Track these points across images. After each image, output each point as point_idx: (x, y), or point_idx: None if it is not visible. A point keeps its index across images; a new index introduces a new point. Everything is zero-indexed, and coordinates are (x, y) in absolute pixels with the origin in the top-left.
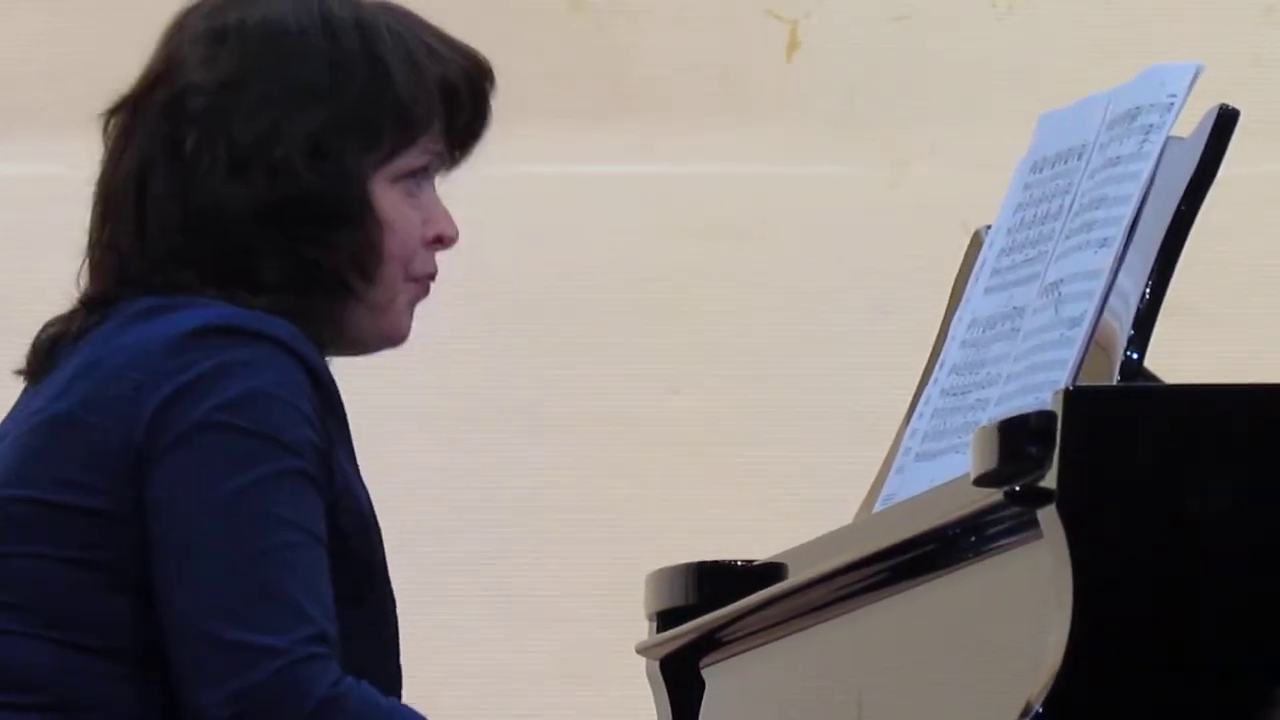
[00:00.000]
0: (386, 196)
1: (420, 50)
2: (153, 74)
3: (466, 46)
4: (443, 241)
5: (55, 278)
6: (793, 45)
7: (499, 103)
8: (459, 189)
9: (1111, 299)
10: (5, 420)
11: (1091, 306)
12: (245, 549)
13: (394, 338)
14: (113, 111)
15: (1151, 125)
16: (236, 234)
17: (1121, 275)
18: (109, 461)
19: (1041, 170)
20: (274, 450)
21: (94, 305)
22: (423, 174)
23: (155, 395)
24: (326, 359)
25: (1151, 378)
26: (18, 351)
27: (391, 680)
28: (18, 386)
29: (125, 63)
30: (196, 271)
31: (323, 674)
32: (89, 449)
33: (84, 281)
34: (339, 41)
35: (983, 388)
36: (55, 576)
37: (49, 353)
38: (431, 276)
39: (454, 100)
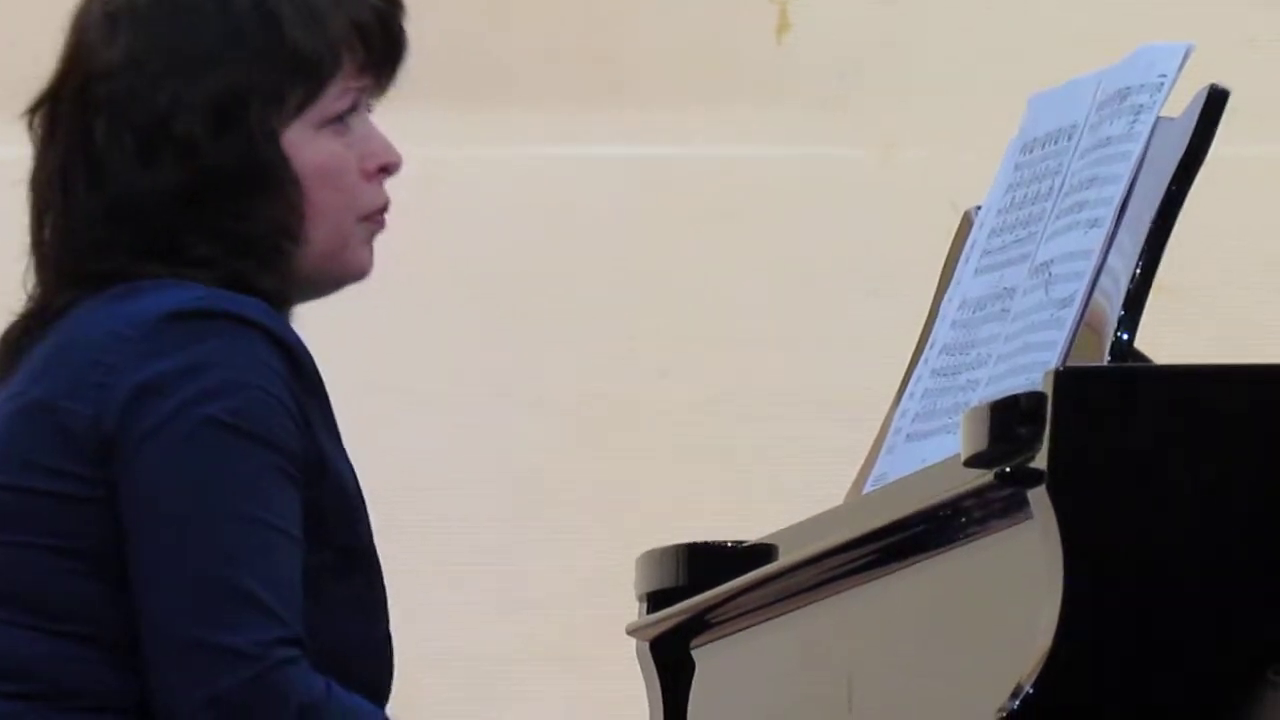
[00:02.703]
0: (312, 144)
1: None
2: (63, 66)
3: None
4: (387, 170)
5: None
6: (783, 26)
7: (495, 84)
8: (452, 170)
9: (1102, 279)
10: None
11: (1082, 287)
12: (219, 550)
13: (354, 275)
14: (34, 108)
15: (1141, 105)
16: (158, 219)
17: (1112, 255)
18: (82, 447)
19: (1032, 151)
20: (250, 445)
21: (50, 300)
22: (350, 113)
23: (128, 382)
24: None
25: (1142, 358)
26: None
27: (379, 648)
28: None
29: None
30: (127, 259)
31: (299, 679)
32: (63, 434)
33: (30, 280)
34: (229, 5)
35: (973, 368)
36: (33, 562)
37: (16, 350)
38: (383, 209)
39: (366, 37)
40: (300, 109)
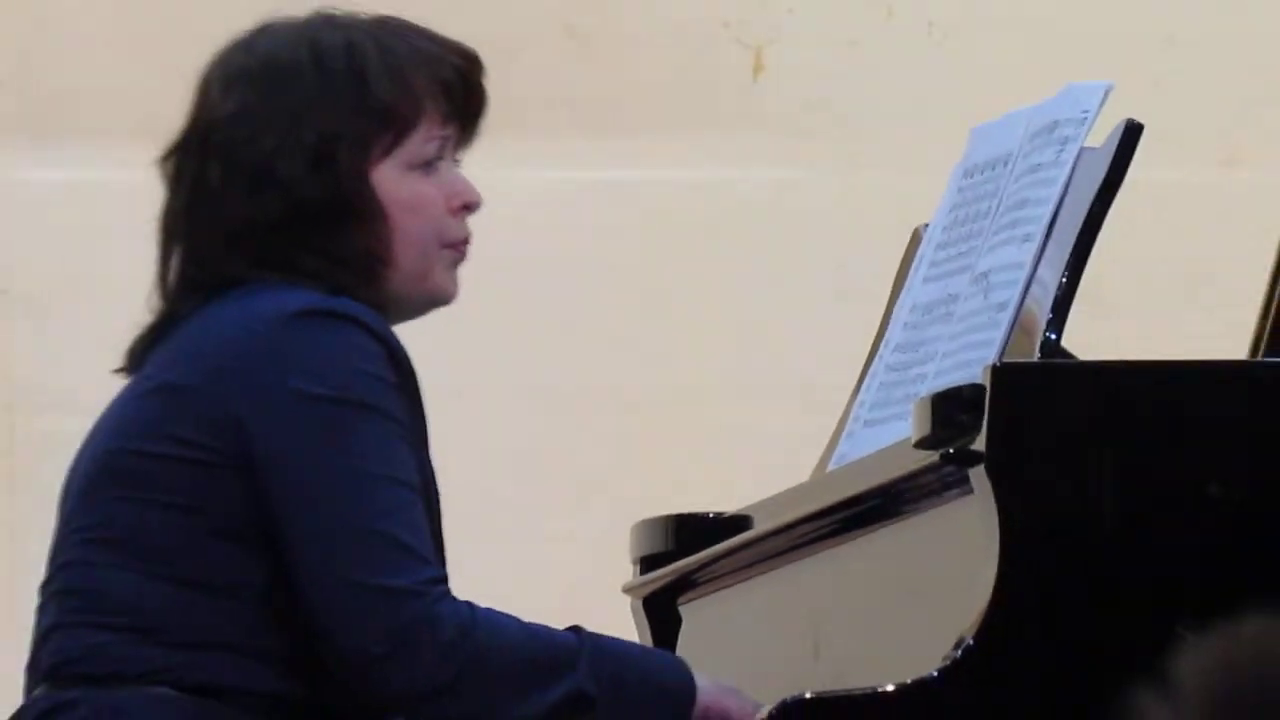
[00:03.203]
0: (400, 182)
1: (408, 56)
2: (188, 119)
3: (454, 43)
4: (469, 208)
5: (105, 272)
6: (758, 67)
7: (503, 115)
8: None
9: (1033, 287)
10: (111, 404)
11: (1016, 294)
12: (367, 507)
13: (439, 298)
14: (165, 157)
15: (1068, 137)
16: (269, 241)
17: (1042, 267)
18: (212, 423)
19: (973, 175)
20: (370, 415)
21: (175, 309)
22: (436, 158)
23: (256, 368)
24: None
25: (1067, 355)
26: (67, 332)
27: None
28: (68, 360)
29: (169, 84)
30: (246, 269)
31: (450, 608)
32: (194, 412)
33: (155, 297)
34: (324, 64)
35: (922, 364)
36: (152, 517)
37: (141, 352)
38: (466, 241)
39: (448, 93)
40: (388, 152)
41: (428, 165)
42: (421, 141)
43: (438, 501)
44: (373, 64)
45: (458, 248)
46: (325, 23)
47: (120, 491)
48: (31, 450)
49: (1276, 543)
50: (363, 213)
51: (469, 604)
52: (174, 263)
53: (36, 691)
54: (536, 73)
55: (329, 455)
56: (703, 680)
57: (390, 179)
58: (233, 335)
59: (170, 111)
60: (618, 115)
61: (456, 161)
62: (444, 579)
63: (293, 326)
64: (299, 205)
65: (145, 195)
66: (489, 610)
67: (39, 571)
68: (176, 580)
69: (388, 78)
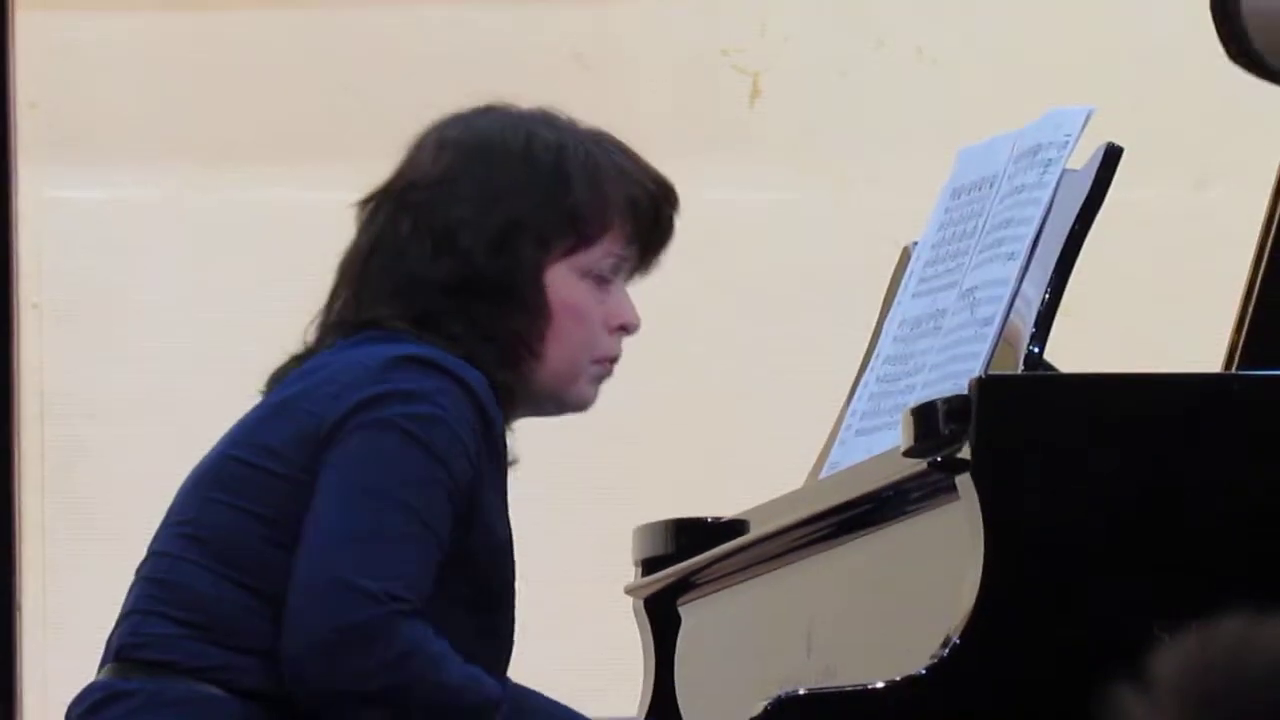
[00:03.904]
0: (571, 285)
1: (610, 171)
2: (395, 172)
3: (657, 172)
4: (626, 330)
5: (132, 287)
6: (754, 93)
7: None
8: None
9: (1017, 303)
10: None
11: (1000, 309)
12: (378, 521)
13: (575, 404)
14: (365, 201)
15: (1051, 159)
16: (430, 303)
17: (1026, 283)
18: (306, 439)
19: (960, 196)
20: (428, 457)
21: (317, 344)
22: (611, 271)
23: (354, 395)
24: (513, 418)
25: (1050, 368)
26: (96, 345)
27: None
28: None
29: (195, 106)
30: (386, 316)
31: (409, 629)
32: (295, 427)
33: (312, 330)
34: (533, 157)
35: (911, 375)
36: (237, 523)
37: (279, 379)
38: (614, 359)
39: (637, 214)
40: (567, 254)
41: (600, 278)
42: (601, 254)
43: (510, 564)
44: (576, 169)
45: (606, 364)
46: (544, 120)
47: (215, 494)
48: (60, 456)
49: (1250, 549)
50: (526, 302)
51: (426, 632)
52: (338, 303)
53: (103, 671)
54: (544, 97)
55: (369, 466)
56: None
57: (562, 280)
58: (345, 367)
59: (194, 132)
60: (621, 138)
61: (626, 279)
62: (414, 605)
63: (399, 367)
64: (469, 277)
65: (170, 213)
66: (442, 645)
67: (69, 570)
68: (244, 586)
69: (587, 186)
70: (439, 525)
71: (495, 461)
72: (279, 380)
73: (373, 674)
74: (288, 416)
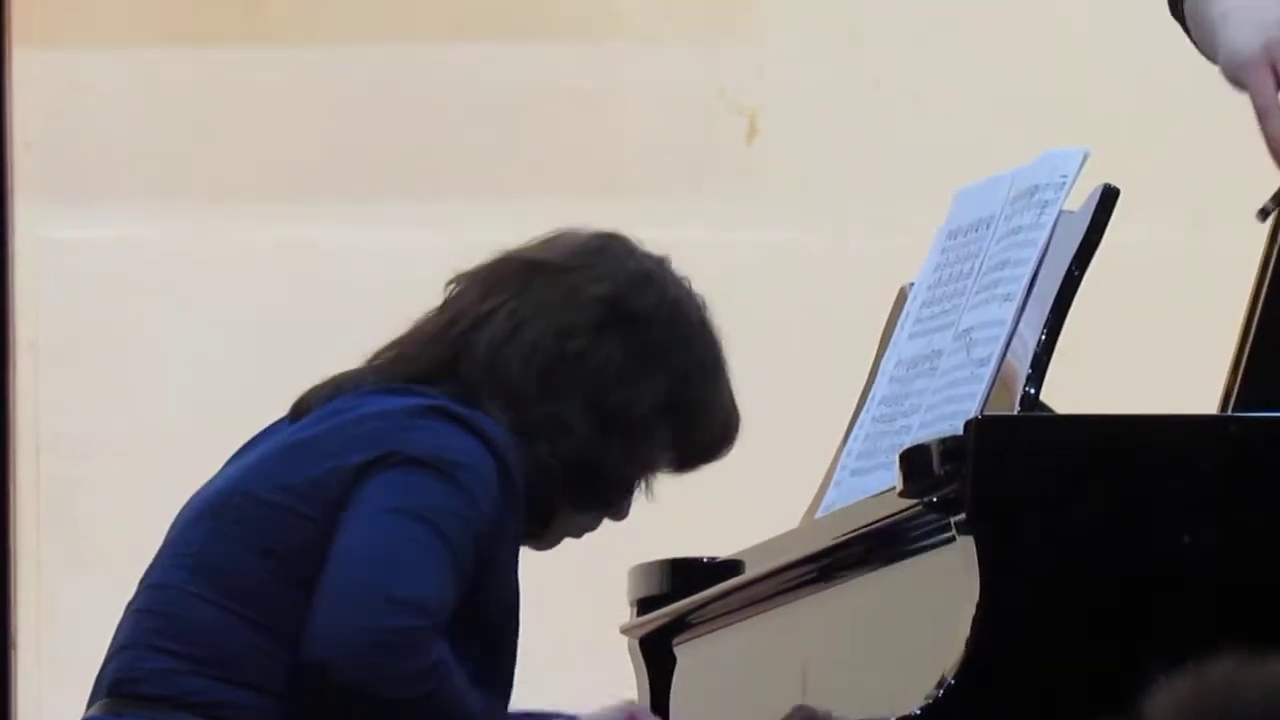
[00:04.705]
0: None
1: (719, 404)
2: (546, 254)
3: (737, 421)
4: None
5: (128, 325)
6: (752, 133)
7: (510, 176)
8: (481, 250)
9: (1013, 344)
10: (256, 439)
11: (997, 350)
12: (416, 540)
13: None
14: (500, 264)
15: (1047, 201)
16: (509, 379)
17: (1022, 324)
18: (329, 481)
19: (956, 237)
20: (456, 492)
21: (344, 382)
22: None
23: (383, 439)
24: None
25: (1046, 409)
26: (92, 383)
27: None
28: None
29: (193, 146)
30: (431, 372)
31: (438, 645)
32: (318, 468)
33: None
34: (703, 337)
35: (907, 416)
36: (247, 558)
37: (306, 406)
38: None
39: (695, 460)
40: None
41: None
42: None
43: (515, 618)
44: (711, 397)
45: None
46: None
47: (225, 526)
48: (57, 492)
49: (1245, 590)
50: (591, 461)
51: (448, 652)
52: (425, 340)
53: (95, 707)
54: (542, 135)
55: (401, 493)
56: None
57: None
58: (376, 411)
59: (191, 171)
60: (619, 177)
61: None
62: (441, 620)
63: (428, 416)
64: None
65: (167, 252)
66: (460, 669)
67: (64, 607)
68: (249, 620)
69: (709, 416)
70: (464, 555)
71: (514, 519)
72: (307, 407)
73: (412, 679)
74: (311, 456)
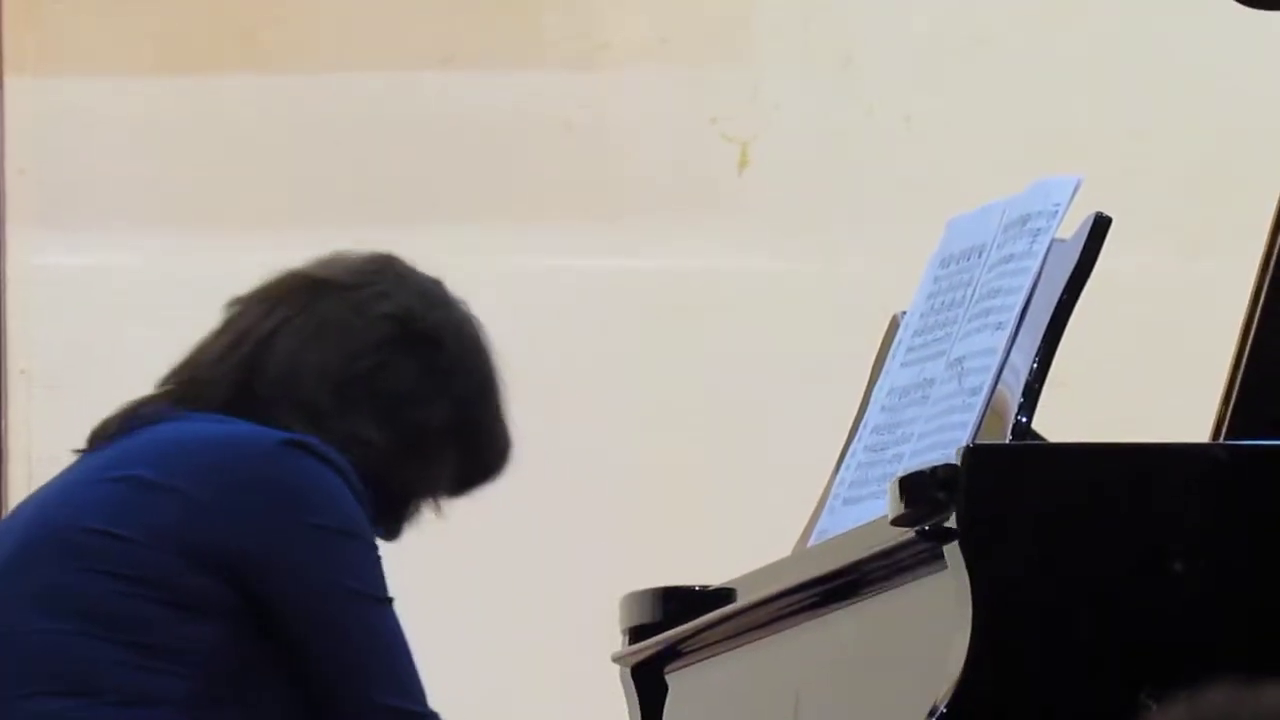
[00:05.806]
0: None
1: (496, 436)
2: (323, 271)
3: (509, 453)
4: None
5: (119, 352)
6: (743, 162)
7: (502, 204)
8: (477, 276)
9: (1005, 373)
10: (60, 479)
11: (989, 379)
12: (384, 631)
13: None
14: (284, 281)
15: (1040, 229)
16: (319, 395)
17: (1014, 353)
18: (192, 522)
19: (948, 265)
20: (362, 544)
21: (166, 403)
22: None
23: (268, 500)
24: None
25: (1038, 438)
26: (83, 410)
27: None
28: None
29: (183, 172)
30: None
31: None
32: (178, 509)
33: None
34: (487, 357)
35: (899, 444)
36: (108, 587)
37: (126, 422)
38: None
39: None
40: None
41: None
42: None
43: None
44: (494, 417)
45: None
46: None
47: (76, 563)
48: None
49: (1239, 618)
50: (390, 479)
51: None
52: (213, 361)
53: None
54: (533, 164)
55: (346, 586)
56: None
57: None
58: (229, 447)
59: (183, 199)
60: (610, 206)
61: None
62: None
63: (286, 456)
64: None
65: (159, 279)
66: None
67: None
68: (124, 644)
69: (492, 435)
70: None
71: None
72: (106, 437)
73: None
74: (161, 496)
